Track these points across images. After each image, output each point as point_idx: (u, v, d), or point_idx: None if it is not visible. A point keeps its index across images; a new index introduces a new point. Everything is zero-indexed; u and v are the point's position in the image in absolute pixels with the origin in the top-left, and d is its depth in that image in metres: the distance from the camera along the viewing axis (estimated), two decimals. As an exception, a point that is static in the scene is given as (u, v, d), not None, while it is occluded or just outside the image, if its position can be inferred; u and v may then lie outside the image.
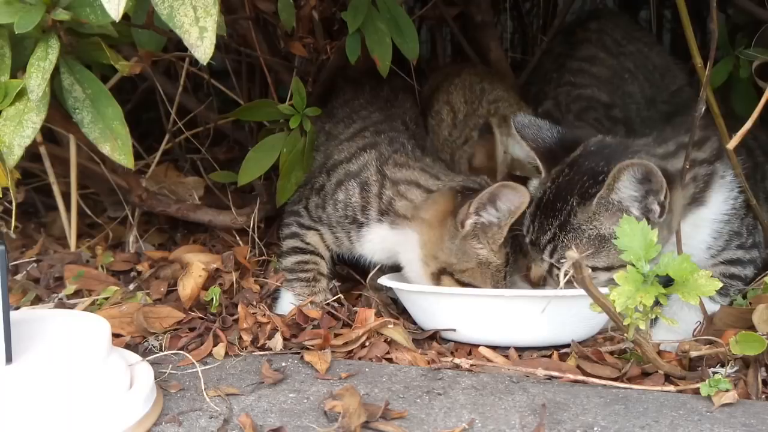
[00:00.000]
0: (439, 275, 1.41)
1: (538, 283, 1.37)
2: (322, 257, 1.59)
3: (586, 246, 1.26)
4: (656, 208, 1.23)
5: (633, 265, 1.12)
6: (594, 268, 1.27)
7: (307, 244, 1.59)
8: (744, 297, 1.41)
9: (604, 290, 1.12)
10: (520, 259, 1.44)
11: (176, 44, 1.50)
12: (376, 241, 1.51)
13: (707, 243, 1.33)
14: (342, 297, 1.52)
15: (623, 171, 1.20)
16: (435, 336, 1.40)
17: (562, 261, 1.29)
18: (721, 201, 1.34)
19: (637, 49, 1.96)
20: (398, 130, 1.66)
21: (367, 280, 1.57)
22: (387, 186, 1.50)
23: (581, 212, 1.27)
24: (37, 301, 1.62)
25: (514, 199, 1.32)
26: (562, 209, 1.28)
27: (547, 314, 1.29)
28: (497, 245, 1.38)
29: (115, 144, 1.29)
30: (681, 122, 1.47)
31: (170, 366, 1.29)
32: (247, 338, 1.38)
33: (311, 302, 1.50)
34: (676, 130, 1.42)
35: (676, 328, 1.19)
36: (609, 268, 1.27)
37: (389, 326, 1.39)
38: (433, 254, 1.41)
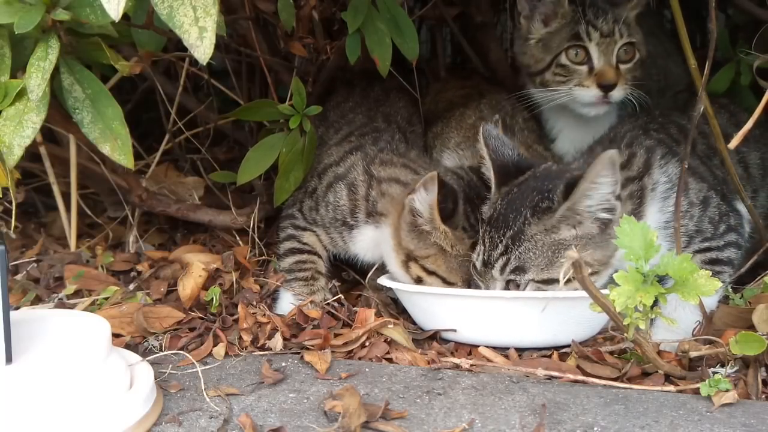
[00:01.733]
0: (407, 263, 1.43)
1: None
2: (319, 256, 1.60)
3: (539, 256, 1.28)
4: (616, 203, 1.26)
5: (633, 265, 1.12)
6: (549, 281, 1.28)
7: (304, 244, 1.61)
8: (742, 296, 1.41)
9: (604, 291, 1.12)
10: None
11: (176, 44, 1.50)
12: (366, 241, 1.54)
13: (665, 245, 1.33)
14: (342, 297, 1.52)
15: (602, 161, 1.20)
16: (435, 336, 1.40)
17: (511, 277, 1.30)
18: (656, 211, 1.37)
19: (660, 41, 1.97)
20: (380, 130, 1.68)
21: (367, 280, 1.57)
22: (373, 186, 1.52)
23: (536, 223, 1.28)
24: (37, 301, 1.62)
25: (433, 191, 1.33)
26: (515, 220, 1.30)
27: (547, 315, 1.29)
28: (448, 237, 1.38)
29: (115, 144, 1.29)
30: (611, 139, 1.51)
31: (170, 366, 1.29)
32: (247, 338, 1.38)
33: (311, 302, 1.50)
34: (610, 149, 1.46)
35: (675, 327, 1.19)
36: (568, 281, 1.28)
37: (389, 326, 1.39)
38: (399, 241, 1.43)
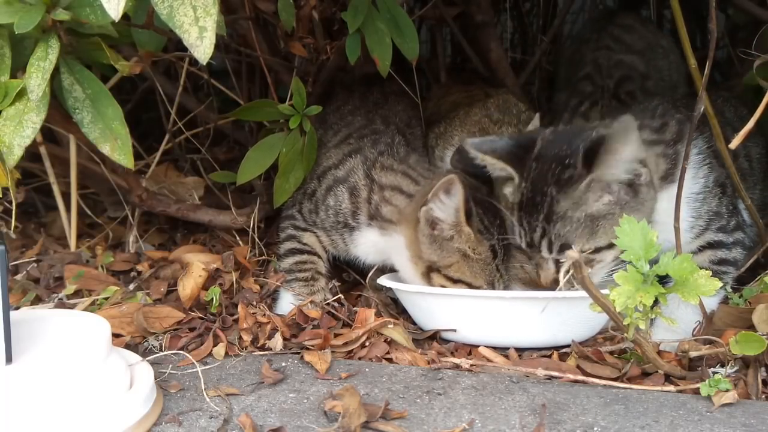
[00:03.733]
0: (429, 273, 1.42)
1: (550, 287, 1.35)
2: (319, 257, 1.61)
3: (579, 229, 1.27)
4: (642, 169, 1.27)
5: (633, 265, 1.12)
6: (597, 249, 1.28)
7: (304, 244, 1.61)
8: (741, 296, 1.41)
9: (604, 291, 1.12)
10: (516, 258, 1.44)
11: (176, 44, 1.50)
12: (369, 245, 1.53)
13: (688, 222, 1.34)
14: (342, 297, 1.53)
15: (622, 127, 1.21)
16: (435, 336, 1.40)
17: (562, 254, 1.29)
18: (689, 179, 1.36)
19: (674, 41, 2.00)
20: (379, 132, 1.68)
21: (367, 280, 1.57)
22: (375, 190, 1.52)
23: (563, 199, 1.27)
24: (37, 301, 1.62)
25: (458, 193, 1.32)
26: (543, 202, 1.29)
27: (547, 315, 1.29)
28: (471, 240, 1.38)
29: (115, 144, 1.29)
30: (642, 109, 1.51)
31: (170, 366, 1.29)
32: (247, 338, 1.38)
33: (311, 302, 1.50)
34: (638, 115, 1.44)
35: (675, 327, 1.19)
36: (611, 246, 1.27)
37: (389, 326, 1.39)
38: (417, 254, 1.42)
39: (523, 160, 1.34)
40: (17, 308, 1.54)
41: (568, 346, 1.33)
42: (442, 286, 1.41)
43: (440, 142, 1.77)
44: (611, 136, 1.22)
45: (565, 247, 1.28)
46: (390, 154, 1.59)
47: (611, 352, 1.29)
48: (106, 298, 1.58)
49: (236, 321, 1.45)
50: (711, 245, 1.40)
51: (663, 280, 1.14)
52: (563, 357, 1.33)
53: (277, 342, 1.36)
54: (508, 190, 1.37)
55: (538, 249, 1.32)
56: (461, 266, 1.40)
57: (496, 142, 1.39)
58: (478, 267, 1.40)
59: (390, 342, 1.37)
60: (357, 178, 1.55)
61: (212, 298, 1.50)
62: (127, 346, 1.35)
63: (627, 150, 1.23)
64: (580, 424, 1.08)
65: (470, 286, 1.40)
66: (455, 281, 1.40)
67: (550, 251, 1.30)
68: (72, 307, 1.56)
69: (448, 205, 1.35)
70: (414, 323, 1.47)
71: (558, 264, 1.32)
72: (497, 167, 1.37)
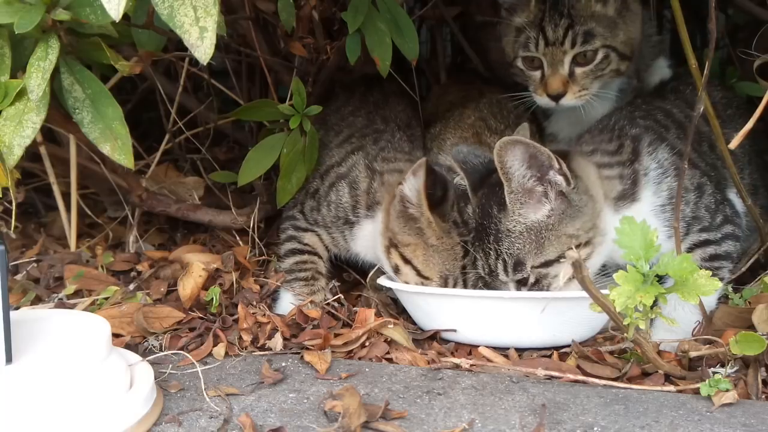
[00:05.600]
0: (389, 248, 1.43)
1: None
2: (320, 257, 1.61)
3: (525, 245, 1.29)
4: (559, 178, 1.27)
5: (633, 265, 1.12)
6: (547, 263, 1.29)
7: (305, 245, 1.61)
8: (741, 296, 1.41)
9: (604, 291, 1.12)
10: None
11: (176, 44, 1.50)
12: (367, 238, 1.53)
13: (665, 233, 1.34)
14: (342, 297, 1.53)
15: (501, 154, 1.24)
16: (435, 336, 1.40)
17: (517, 273, 1.30)
18: (650, 194, 1.37)
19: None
20: (379, 130, 1.69)
21: (367, 280, 1.57)
22: (375, 179, 1.53)
23: (504, 217, 1.30)
24: (37, 301, 1.62)
25: (421, 176, 1.34)
26: (490, 224, 1.32)
27: (547, 315, 1.30)
28: (431, 225, 1.38)
29: (115, 144, 1.29)
30: (601, 129, 1.51)
31: (170, 366, 1.29)
32: (247, 338, 1.38)
33: (311, 302, 1.50)
34: (594, 138, 1.48)
35: (675, 327, 1.19)
36: (559, 258, 1.29)
37: (389, 326, 1.39)
38: (386, 225, 1.44)
39: (483, 183, 1.37)
40: (17, 308, 1.54)
41: (568, 346, 1.33)
42: (396, 267, 1.42)
43: (434, 146, 1.77)
44: (497, 149, 1.25)
45: (518, 264, 1.30)
46: (392, 148, 1.61)
47: (611, 352, 1.29)
48: (106, 298, 1.58)
49: (236, 321, 1.45)
50: (698, 245, 1.40)
51: (662, 279, 1.14)
52: (563, 357, 1.33)
53: (277, 342, 1.36)
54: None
55: (496, 275, 1.33)
56: (416, 249, 1.40)
57: (477, 157, 1.41)
58: (437, 258, 1.40)
59: (390, 342, 1.37)
60: (358, 172, 1.56)
61: (212, 298, 1.50)
62: (127, 346, 1.35)
63: (509, 158, 1.25)
64: (580, 424, 1.08)
65: (418, 273, 1.41)
66: (406, 262, 1.41)
67: (506, 273, 1.32)
68: (72, 307, 1.56)
69: (415, 186, 1.36)
70: (414, 323, 1.47)
71: (518, 285, 1.32)
72: (459, 178, 1.41)
